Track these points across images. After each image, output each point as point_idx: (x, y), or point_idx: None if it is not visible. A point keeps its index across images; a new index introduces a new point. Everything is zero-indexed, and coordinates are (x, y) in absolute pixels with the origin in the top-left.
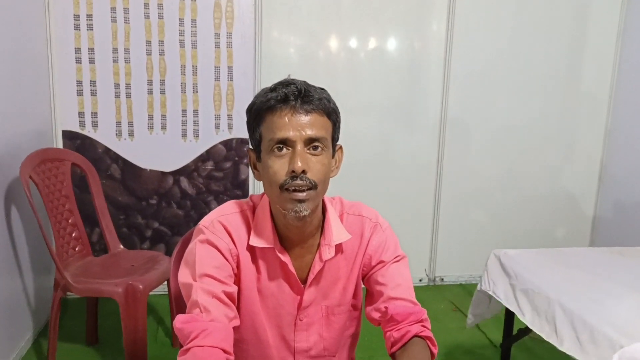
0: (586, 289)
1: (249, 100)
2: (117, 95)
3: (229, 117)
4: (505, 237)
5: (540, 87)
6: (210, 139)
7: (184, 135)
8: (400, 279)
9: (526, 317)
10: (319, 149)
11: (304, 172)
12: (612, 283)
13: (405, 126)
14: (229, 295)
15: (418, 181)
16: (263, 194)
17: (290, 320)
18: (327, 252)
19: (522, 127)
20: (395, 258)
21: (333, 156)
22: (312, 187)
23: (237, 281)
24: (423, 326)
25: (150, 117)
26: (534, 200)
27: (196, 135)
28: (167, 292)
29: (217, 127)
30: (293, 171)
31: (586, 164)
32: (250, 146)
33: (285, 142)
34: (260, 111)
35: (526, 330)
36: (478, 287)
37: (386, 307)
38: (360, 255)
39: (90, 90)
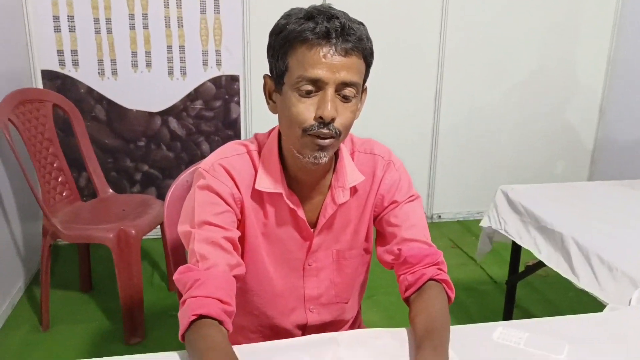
0: (600, 223)
1: (237, 34)
2: (97, 31)
3: (217, 52)
4: (502, 173)
5: (542, 21)
6: (198, 76)
7: (171, 73)
8: (414, 220)
9: (542, 254)
10: (350, 96)
11: (332, 120)
12: (625, 215)
13: (402, 62)
14: (231, 240)
15: (415, 118)
16: (270, 132)
17: (298, 265)
18: (341, 196)
19: (522, 61)
20: (409, 198)
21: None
22: (337, 135)
23: (242, 227)
24: (439, 269)
25: (134, 54)
26: (533, 135)
27: (183, 72)
28: (160, 236)
29: (205, 63)
30: (321, 117)
31: (586, 97)
32: (269, 73)
33: (316, 83)
34: (291, 39)
35: (535, 267)
36: (484, 225)
37: (400, 249)
38: (372, 196)
39: (69, 26)
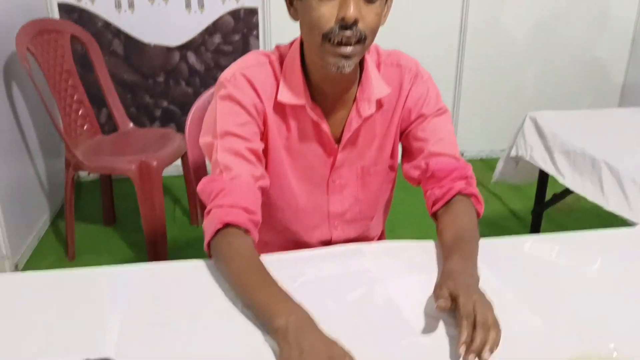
0: (633, 147)
1: None
2: None
3: None
4: (528, 109)
5: None
6: (216, 9)
7: (188, 5)
8: (442, 133)
9: (566, 179)
10: None
11: (355, 22)
12: None
13: None
14: (254, 152)
15: (439, 50)
16: (292, 43)
17: (322, 182)
18: (367, 108)
19: None
20: (437, 111)
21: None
22: (361, 40)
23: (264, 140)
24: (468, 183)
25: None
26: (560, 69)
27: (201, 5)
28: (182, 174)
29: None
30: (343, 19)
31: (618, 28)
32: None
33: None
34: None
35: (561, 195)
36: (511, 154)
37: (427, 164)
38: (398, 110)
39: None
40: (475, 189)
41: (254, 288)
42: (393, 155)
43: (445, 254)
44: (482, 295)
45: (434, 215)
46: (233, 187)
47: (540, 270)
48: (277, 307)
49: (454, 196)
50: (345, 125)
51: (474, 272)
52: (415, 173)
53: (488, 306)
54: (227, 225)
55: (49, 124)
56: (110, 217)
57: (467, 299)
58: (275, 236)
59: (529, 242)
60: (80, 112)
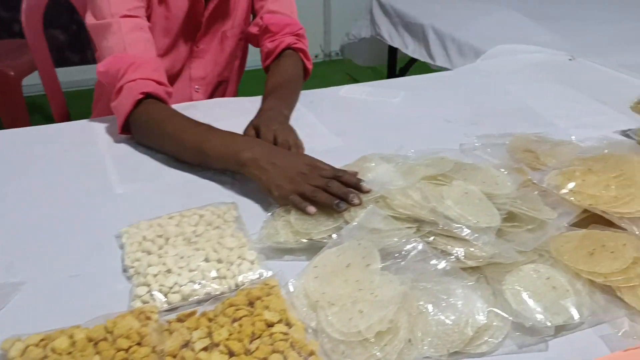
0: (455, 10)
1: None
2: None
3: None
4: None
5: None
6: None
7: None
8: None
9: (409, 48)
10: None
11: None
12: (479, 3)
13: None
14: (147, 27)
15: None
16: None
17: (187, 50)
18: None
19: None
20: None
21: None
22: None
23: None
24: (298, 39)
25: None
26: None
27: None
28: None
29: None
30: None
31: None
32: None
33: None
34: None
35: (407, 66)
36: (354, 35)
37: (262, 18)
38: None
39: None
40: (305, 46)
41: (204, 138)
42: (246, 20)
43: (264, 98)
44: (283, 124)
45: (267, 69)
46: (143, 61)
47: (351, 105)
48: (238, 144)
49: (284, 49)
50: None
51: (285, 110)
52: (255, 29)
53: (288, 131)
54: (146, 96)
55: None
56: None
57: (267, 129)
58: None
59: (345, 88)
60: None
